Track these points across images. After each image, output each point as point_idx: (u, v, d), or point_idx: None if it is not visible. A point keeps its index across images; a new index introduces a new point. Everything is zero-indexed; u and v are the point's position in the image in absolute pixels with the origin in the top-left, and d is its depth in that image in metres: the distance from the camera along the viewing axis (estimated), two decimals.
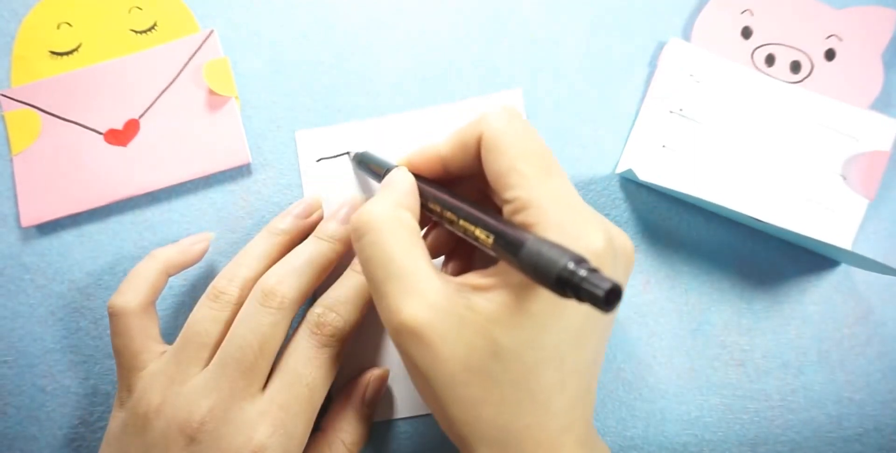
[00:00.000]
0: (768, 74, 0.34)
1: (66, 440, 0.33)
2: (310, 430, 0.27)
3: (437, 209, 0.25)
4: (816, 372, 0.33)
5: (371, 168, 0.30)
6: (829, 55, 0.34)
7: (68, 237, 0.33)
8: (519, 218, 0.23)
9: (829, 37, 0.34)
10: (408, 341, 0.22)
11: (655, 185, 0.31)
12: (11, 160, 0.33)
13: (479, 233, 0.23)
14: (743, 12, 0.35)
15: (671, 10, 0.35)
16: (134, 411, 0.27)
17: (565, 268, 0.18)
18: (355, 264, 0.30)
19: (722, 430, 0.33)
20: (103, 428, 0.32)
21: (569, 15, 0.35)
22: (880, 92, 0.34)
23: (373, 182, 0.33)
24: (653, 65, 0.34)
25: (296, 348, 0.27)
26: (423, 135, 0.33)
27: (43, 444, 0.33)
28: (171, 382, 0.26)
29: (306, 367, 0.27)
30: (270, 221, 0.31)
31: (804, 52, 0.34)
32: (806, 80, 0.34)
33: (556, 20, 0.35)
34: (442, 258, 0.30)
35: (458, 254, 0.29)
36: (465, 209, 0.24)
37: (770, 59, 0.34)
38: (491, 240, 0.22)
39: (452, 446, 0.32)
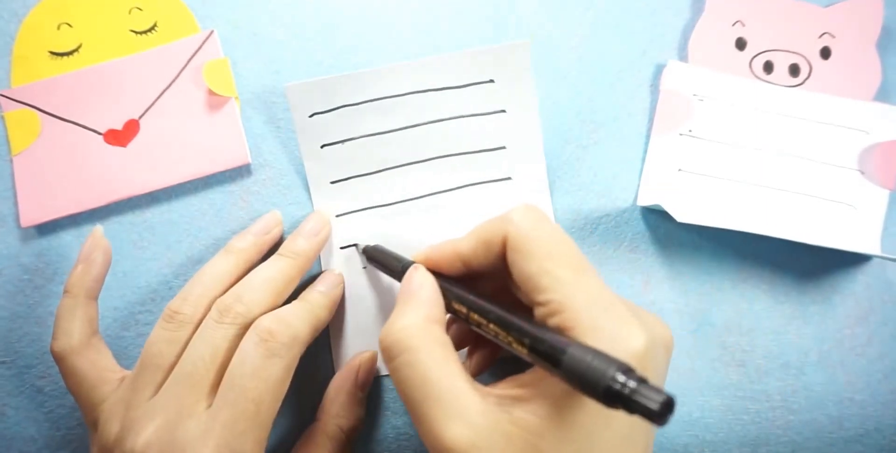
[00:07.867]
0: (769, 82, 0.34)
1: (64, 441, 0.32)
2: (262, 450, 0.25)
3: (463, 310, 0.24)
4: (817, 372, 0.33)
5: (384, 262, 0.29)
6: (825, 53, 0.35)
7: (68, 237, 0.33)
8: (554, 321, 0.22)
9: (821, 35, 0.34)
10: None
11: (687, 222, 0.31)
12: (11, 160, 0.33)
13: (512, 339, 0.22)
14: (734, 24, 0.35)
15: (663, 30, 0.35)
16: (101, 445, 0.26)
17: (614, 380, 0.18)
18: (307, 293, 0.30)
19: (723, 431, 0.33)
20: None
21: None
22: (881, 82, 0.34)
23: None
24: (653, 87, 0.34)
25: (241, 360, 0.25)
26: (421, 87, 0.32)
27: (41, 445, 0.32)
28: (127, 409, 0.26)
29: (252, 380, 0.25)
30: (230, 240, 0.30)
31: (800, 55, 0.35)
32: (807, 81, 0.34)
33: (551, 30, 0.35)
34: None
35: (480, 346, 0.29)
36: (495, 312, 0.23)
37: (768, 67, 0.34)
38: (526, 347, 0.21)
39: None
